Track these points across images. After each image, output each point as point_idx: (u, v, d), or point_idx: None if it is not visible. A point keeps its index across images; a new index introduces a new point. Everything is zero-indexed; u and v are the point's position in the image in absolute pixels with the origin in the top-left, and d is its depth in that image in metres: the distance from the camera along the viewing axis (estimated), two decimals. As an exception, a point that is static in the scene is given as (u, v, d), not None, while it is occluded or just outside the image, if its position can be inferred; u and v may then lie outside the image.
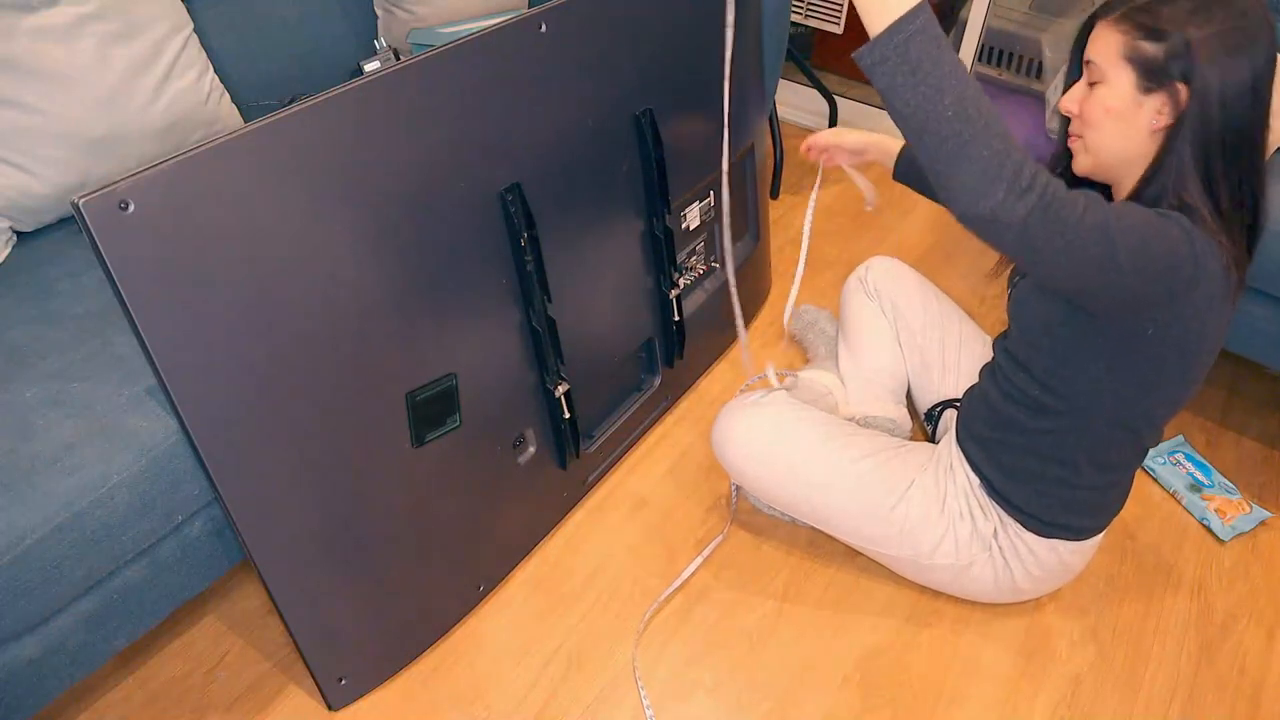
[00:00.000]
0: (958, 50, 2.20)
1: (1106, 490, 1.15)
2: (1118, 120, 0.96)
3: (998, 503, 1.17)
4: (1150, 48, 0.91)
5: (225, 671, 1.24)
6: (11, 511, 0.91)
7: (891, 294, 1.49)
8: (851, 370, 1.51)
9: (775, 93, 1.95)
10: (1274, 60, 0.89)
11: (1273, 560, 1.41)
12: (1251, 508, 1.45)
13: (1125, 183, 1.01)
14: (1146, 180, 0.96)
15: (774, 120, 2.12)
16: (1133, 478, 1.17)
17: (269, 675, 1.23)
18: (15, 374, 1.05)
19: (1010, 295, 1.12)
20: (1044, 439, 1.10)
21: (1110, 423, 1.06)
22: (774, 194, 2.23)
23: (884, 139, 1.35)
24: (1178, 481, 1.50)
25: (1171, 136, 0.92)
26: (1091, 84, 0.97)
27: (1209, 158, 0.91)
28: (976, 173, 0.79)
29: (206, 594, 1.33)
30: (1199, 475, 1.51)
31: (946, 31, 2.43)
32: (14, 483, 0.93)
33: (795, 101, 2.56)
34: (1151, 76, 0.91)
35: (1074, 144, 1.03)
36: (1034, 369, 1.08)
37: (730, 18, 0.95)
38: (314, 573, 1.07)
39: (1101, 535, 1.21)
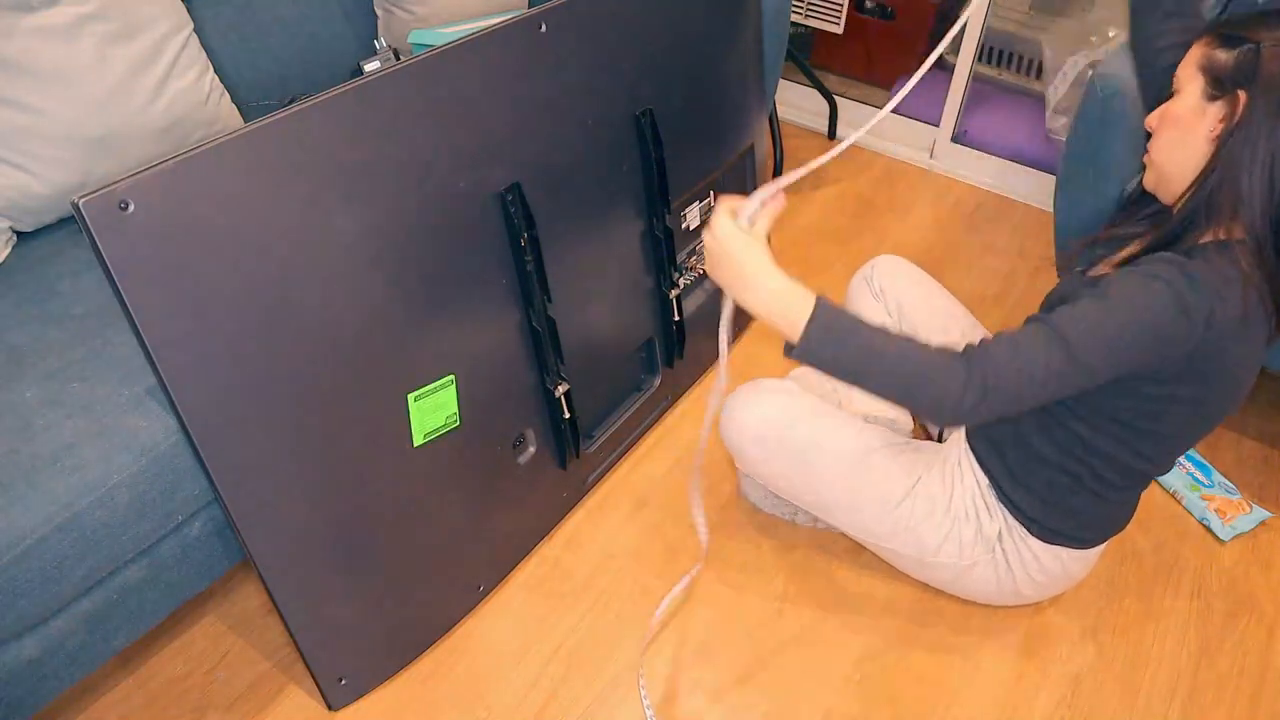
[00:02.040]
0: (958, 51, 2.20)
1: (1115, 505, 1.15)
2: (1179, 128, 0.96)
3: (1004, 505, 1.17)
4: (1223, 55, 0.92)
5: (225, 671, 1.24)
6: (11, 511, 0.91)
7: (897, 293, 1.48)
8: None
9: (775, 93, 1.95)
10: None
11: (1273, 560, 1.41)
12: (1251, 508, 1.45)
13: (1172, 194, 1.01)
14: (1192, 192, 0.95)
15: (774, 120, 2.12)
16: (1141, 494, 1.17)
17: (269, 675, 1.23)
18: (15, 374, 1.05)
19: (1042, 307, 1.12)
20: (1052, 449, 1.10)
21: (1118, 445, 1.05)
22: (774, 194, 2.22)
23: None
24: (1178, 481, 1.50)
25: (1222, 142, 0.92)
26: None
27: (1252, 169, 0.89)
28: (927, 400, 0.90)
29: (206, 594, 1.33)
30: (1199, 475, 1.51)
31: (945, 31, 2.44)
32: (14, 483, 0.93)
33: (795, 101, 2.56)
34: (1218, 84, 0.92)
35: (1146, 159, 1.04)
36: None
37: None
38: (314, 573, 1.07)
39: (1106, 544, 1.21)
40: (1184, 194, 0.97)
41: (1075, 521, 1.15)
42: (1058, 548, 1.17)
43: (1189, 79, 0.96)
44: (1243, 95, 0.90)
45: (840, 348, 0.91)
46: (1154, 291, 0.89)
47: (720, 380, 1.04)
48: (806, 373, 1.52)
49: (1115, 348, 0.90)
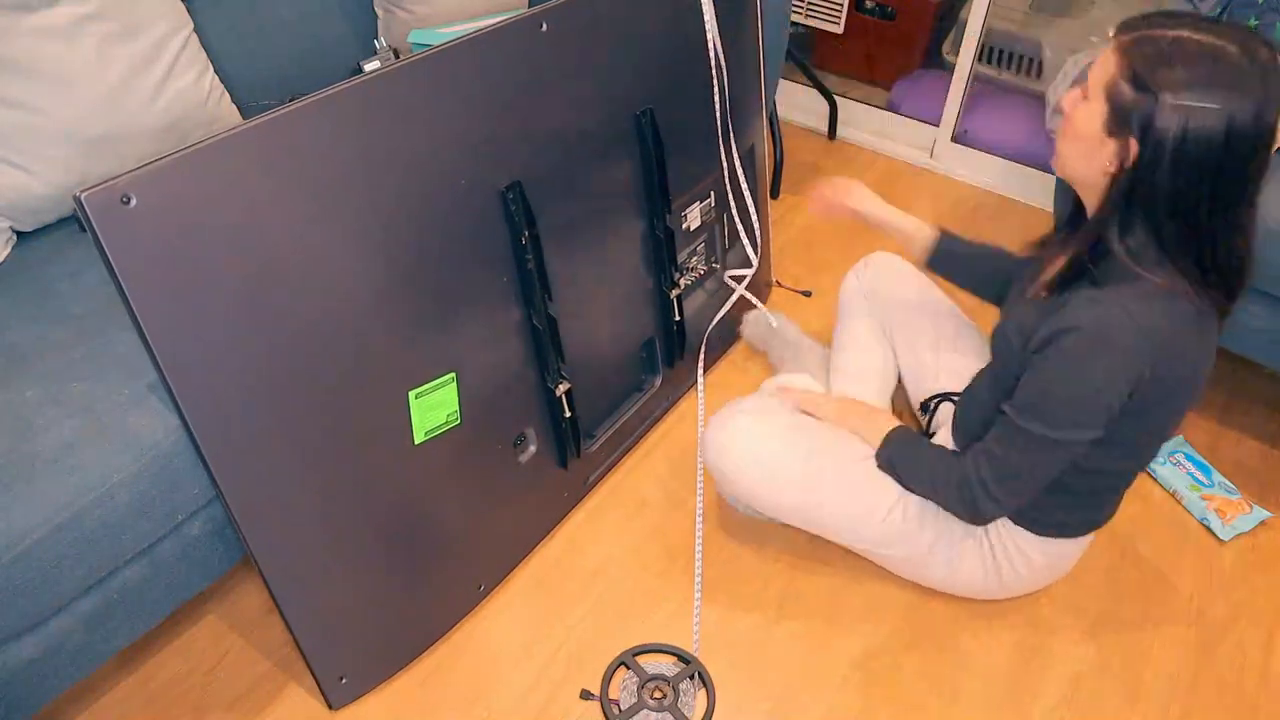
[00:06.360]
0: (957, 51, 2.20)
1: (1099, 495, 1.15)
2: (1082, 146, 0.97)
3: None
4: (1127, 91, 0.90)
5: (225, 671, 1.24)
6: (11, 511, 0.91)
7: (887, 291, 1.48)
8: (839, 364, 1.51)
9: (775, 93, 1.95)
10: (1260, 146, 0.88)
11: (1273, 560, 1.41)
12: (1251, 508, 1.45)
13: (1087, 202, 1.03)
14: (1098, 220, 0.98)
15: (774, 120, 2.12)
16: (1127, 484, 1.17)
17: (269, 675, 1.23)
18: (15, 374, 1.05)
19: (995, 328, 1.12)
20: None
21: (1095, 455, 1.06)
22: (774, 194, 2.23)
23: (909, 225, 1.35)
24: (1178, 481, 1.50)
25: (1115, 183, 0.94)
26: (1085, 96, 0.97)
27: (1158, 218, 0.93)
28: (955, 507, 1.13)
29: (206, 594, 1.33)
30: (1199, 475, 1.51)
31: (947, 32, 2.44)
32: (14, 483, 0.93)
33: (795, 101, 2.56)
34: (1117, 120, 0.92)
35: (1056, 140, 1.04)
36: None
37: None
38: (315, 571, 1.07)
39: (1092, 535, 1.21)
40: (1092, 217, 0.99)
41: (1061, 512, 1.15)
42: (1045, 539, 1.17)
43: (1096, 94, 0.94)
44: (1134, 145, 0.90)
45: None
46: (1100, 364, 0.95)
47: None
48: (781, 388, 1.52)
49: (1087, 416, 0.99)
